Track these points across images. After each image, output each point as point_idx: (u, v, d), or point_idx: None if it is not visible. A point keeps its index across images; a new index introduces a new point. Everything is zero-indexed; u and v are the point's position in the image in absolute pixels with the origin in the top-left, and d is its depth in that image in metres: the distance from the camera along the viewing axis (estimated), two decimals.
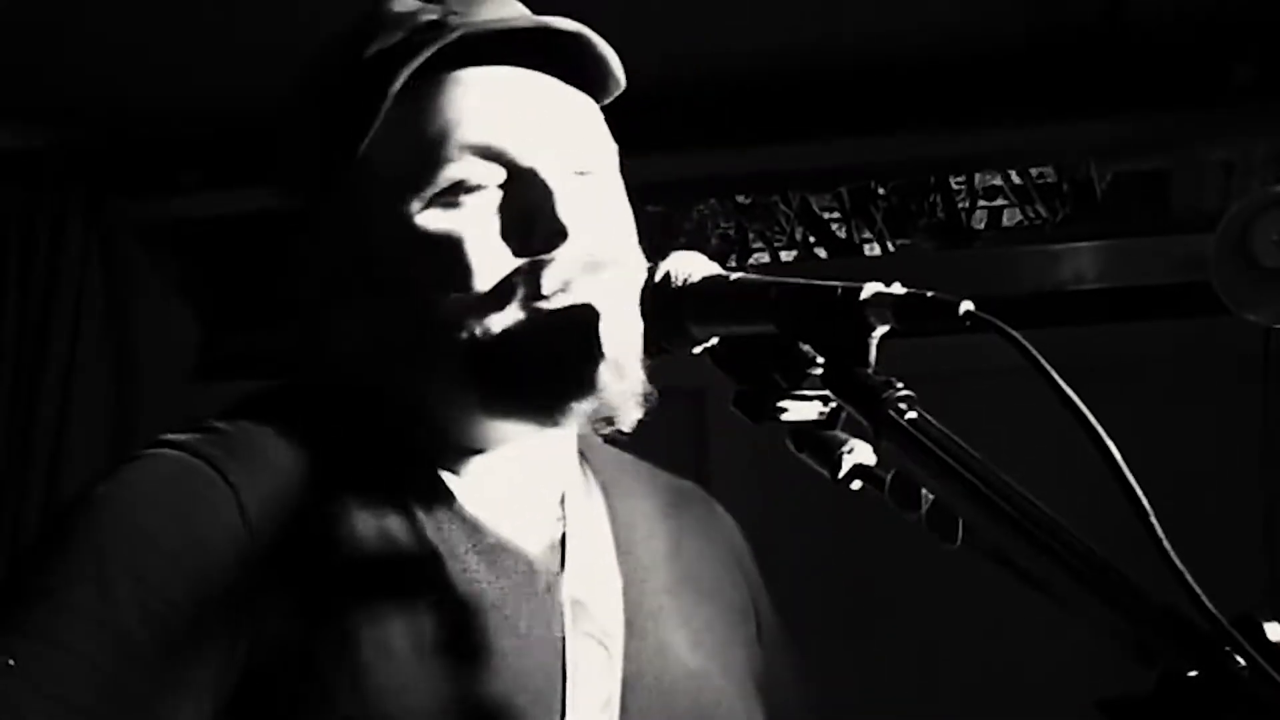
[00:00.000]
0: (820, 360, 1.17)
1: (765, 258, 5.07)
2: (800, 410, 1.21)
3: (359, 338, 1.41)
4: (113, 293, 3.53)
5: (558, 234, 1.32)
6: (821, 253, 5.07)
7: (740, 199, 4.96)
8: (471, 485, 1.39)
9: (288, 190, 1.47)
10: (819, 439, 1.20)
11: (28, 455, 3.40)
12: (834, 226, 5.09)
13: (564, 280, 1.32)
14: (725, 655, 1.47)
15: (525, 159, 1.34)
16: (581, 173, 1.38)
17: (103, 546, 1.27)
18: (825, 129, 3.19)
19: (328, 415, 1.39)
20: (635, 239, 1.41)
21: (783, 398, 1.21)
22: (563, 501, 1.44)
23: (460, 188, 1.33)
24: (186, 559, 1.26)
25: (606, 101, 1.43)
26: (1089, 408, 0.99)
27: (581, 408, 1.33)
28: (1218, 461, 2.96)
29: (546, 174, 1.34)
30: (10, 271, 3.49)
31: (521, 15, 1.42)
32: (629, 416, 1.36)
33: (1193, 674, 0.93)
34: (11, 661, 1.22)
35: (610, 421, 1.35)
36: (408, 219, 1.34)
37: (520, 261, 1.32)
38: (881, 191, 4.94)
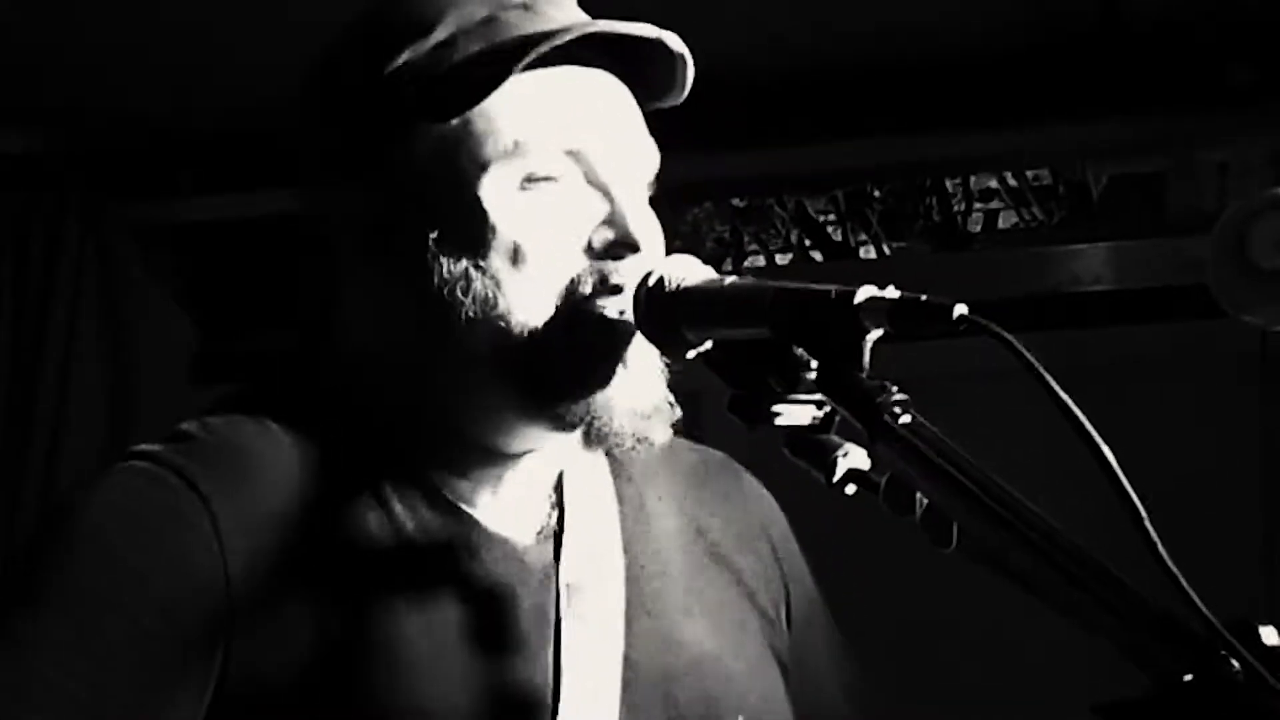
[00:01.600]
0: (815, 364, 1.17)
1: (761, 261, 5.06)
2: (795, 414, 1.20)
3: (381, 326, 1.38)
4: (110, 296, 3.52)
5: (630, 247, 1.31)
6: (817, 256, 5.05)
7: (735, 202, 4.94)
8: (455, 477, 1.37)
9: (327, 158, 1.40)
10: (814, 443, 1.20)
11: (24, 458, 3.40)
12: (829, 229, 5.07)
13: (620, 289, 1.31)
14: (739, 635, 1.45)
15: (602, 164, 1.33)
16: (644, 182, 1.38)
17: (76, 572, 1.26)
18: (820, 132, 3.19)
19: (305, 416, 1.36)
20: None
21: (777, 402, 1.21)
22: (559, 486, 1.42)
23: (537, 178, 1.32)
24: (158, 577, 1.25)
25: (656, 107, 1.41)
26: (1084, 411, 0.99)
27: (600, 418, 1.31)
28: (1214, 465, 2.96)
29: (622, 183, 1.34)
30: (7, 274, 3.48)
31: (623, 21, 1.37)
32: (658, 433, 1.34)
33: (1188, 678, 0.94)
34: None
35: (640, 440, 1.34)
36: (482, 198, 1.31)
37: (587, 264, 1.32)
38: (877, 194, 4.92)
